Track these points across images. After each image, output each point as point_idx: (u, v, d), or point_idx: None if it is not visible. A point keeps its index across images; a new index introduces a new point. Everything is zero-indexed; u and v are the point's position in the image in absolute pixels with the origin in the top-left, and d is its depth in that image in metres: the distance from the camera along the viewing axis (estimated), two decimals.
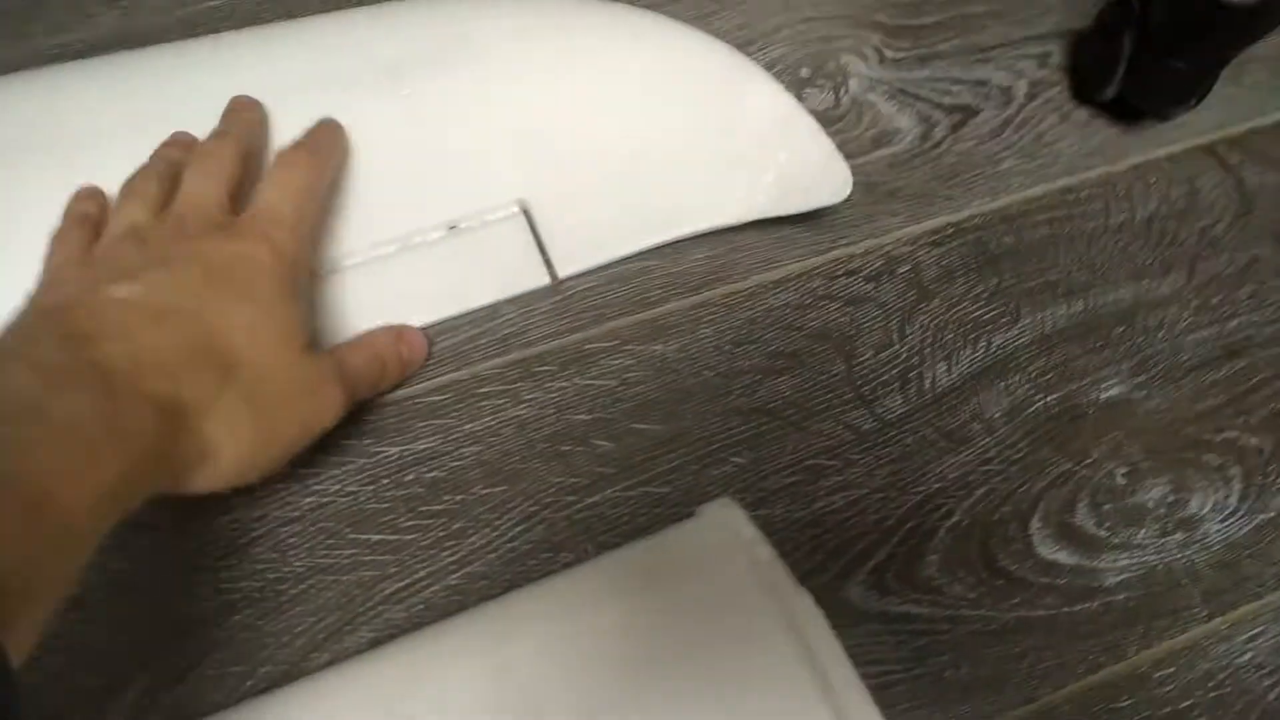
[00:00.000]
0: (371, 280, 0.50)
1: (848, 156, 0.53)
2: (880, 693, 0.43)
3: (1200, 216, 0.57)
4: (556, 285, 0.51)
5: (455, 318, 0.50)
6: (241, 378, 0.40)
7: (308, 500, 0.46)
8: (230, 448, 0.39)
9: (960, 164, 0.57)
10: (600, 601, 0.42)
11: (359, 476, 0.47)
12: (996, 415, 0.50)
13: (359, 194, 0.51)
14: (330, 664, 0.43)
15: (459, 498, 0.47)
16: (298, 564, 0.45)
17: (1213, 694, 0.45)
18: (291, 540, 0.45)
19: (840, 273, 0.53)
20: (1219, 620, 0.47)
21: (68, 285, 0.40)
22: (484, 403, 0.49)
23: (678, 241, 0.52)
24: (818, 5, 0.60)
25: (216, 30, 0.54)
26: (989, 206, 0.56)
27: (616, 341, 0.50)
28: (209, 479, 0.39)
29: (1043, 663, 0.45)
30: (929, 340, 0.52)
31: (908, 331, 0.52)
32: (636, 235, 0.52)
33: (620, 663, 0.40)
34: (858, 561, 0.47)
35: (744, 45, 0.57)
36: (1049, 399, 0.51)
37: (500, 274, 0.51)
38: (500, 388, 0.49)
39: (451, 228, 0.51)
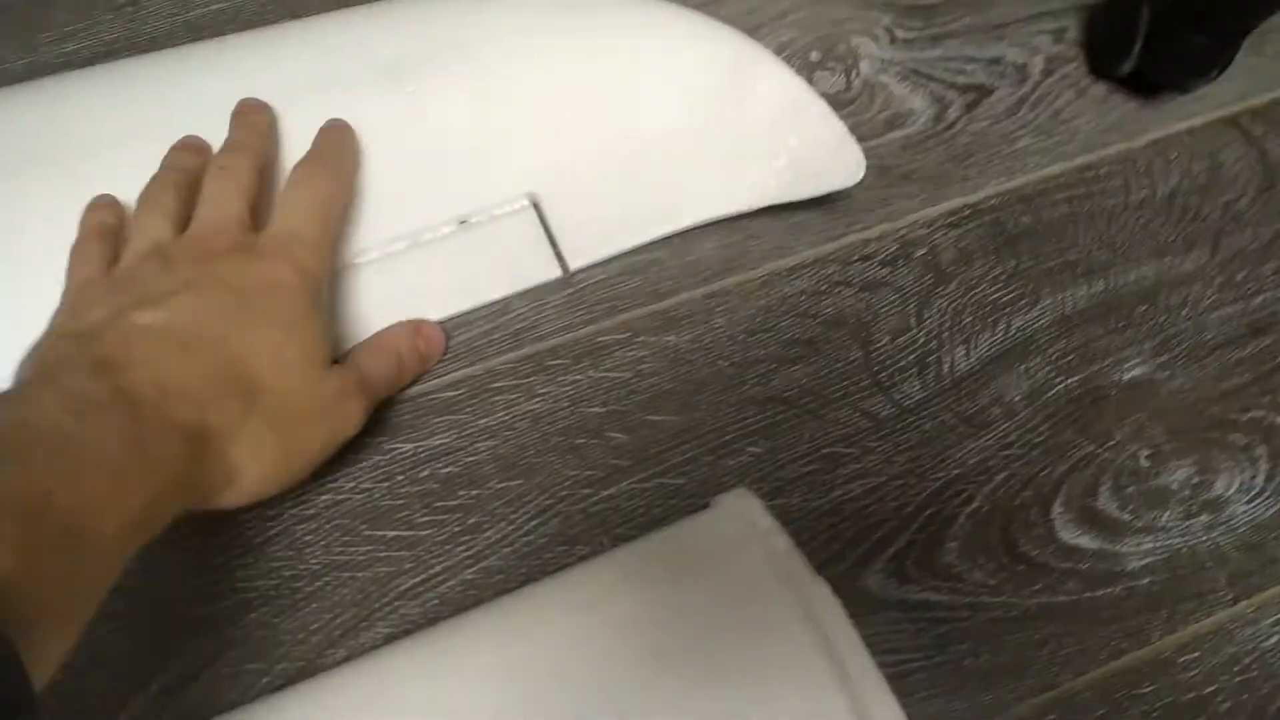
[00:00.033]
0: (383, 277, 0.50)
1: (860, 140, 0.52)
2: (899, 681, 0.42)
3: (1223, 191, 0.56)
4: (568, 278, 0.51)
5: (467, 313, 0.50)
6: (265, 401, 0.40)
7: (323, 498, 0.46)
8: (254, 469, 0.40)
9: (975, 144, 0.56)
10: (616, 594, 0.42)
11: (374, 473, 0.47)
12: (1016, 399, 0.50)
13: (369, 192, 0.51)
14: (346, 660, 0.43)
15: (474, 493, 0.47)
16: (314, 561, 0.45)
17: (1238, 678, 0.45)
18: (308, 538, 0.45)
19: (855, 258, 0.53)
20: (1245, 603, 0.46)
21: (95, 309, 0.40)
22: (498, 397, 0.49)
23: (689, 231, 0.52)
24: None
25: (221, 32, 0.54)
26: (1006, 186, 0.55)
27: (629, 333, 0.50)
28: (233, 498, 0.40)
29: (1064, 649, 0.45)
30: (947, 324, 0.51)
31: (925, 316, 0.51)
32: (647, 225, 0.52)
33: (637, 654, 0.40)
34: (876, 549, 0.46)
35: (752, 30, 0.56)
36: (1070, 381, 0.50)
37: (511, 268, 0.51)
38: (514, 382, 0.49)
39: (461, 223, 0.51)
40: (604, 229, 0.51)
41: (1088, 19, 0.59)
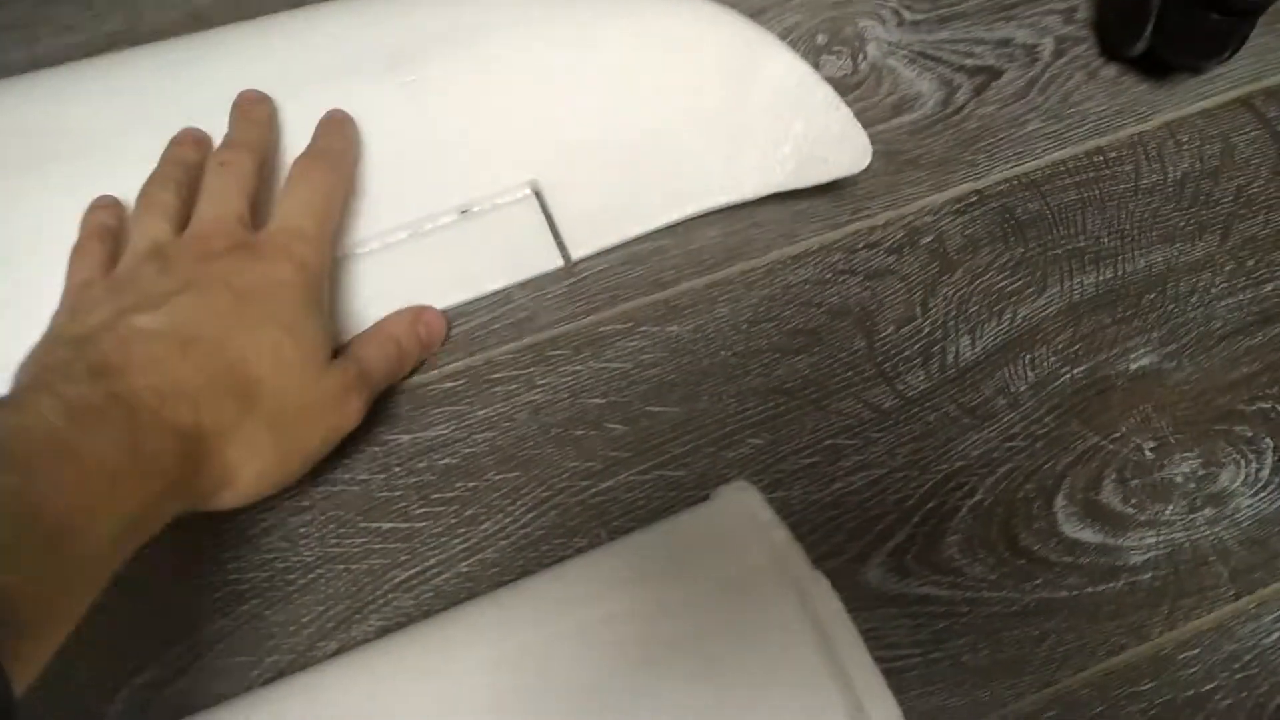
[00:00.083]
0: (384, 267, 0.50)
1: (867, 124, 0.51)
2: (896, 677, 0.42)
3: (1236, 174, 0.55)
4: (570, 267, 0.50)
5: (468, 303, 0.50)
6: (264, 402, 0.40)
7: (319, 489, 0.46)
8: (251, 470, 0.40)
9: (983, 128, 0.55)
10: (614, 587, 0.42)
11: (370, 465, 0.47)
12: (1022, 389, 0.49)
13: (369, 182, 0.50)
14: (338, 653, 0.43)
15: (471, 484, 0.46)
16: (307, 553, 0.45)
17: (1238, 676, 0.44)
18: (302, 529, 0.45)
19: (860, 246, 0.52)
20: (1247, 599, 0.46)
21: (94, 312, 0.40)
22: (497, 388, 0.48)
23: (692, 219, 0.52)
24: None
25: (224, 22, 0.54)
26: (1014, 172, 0.54)
27: (631, 323, 0.50)
28: (230, 499, 0.40)
29: (1063, 645, 0.44)
30: (952, 313, 0.51)
31: (930, 305, 0.51)
32: (650, 214, 0.51)
33: (634, 647, 0.40)
34: (877, 543, 0.46)
35: (757, 13, 0.56)
36: (1076, 371, 0.50)
37: (513, 257, 0.50)
38: (514, 373, 0.49)
39: (463, 212, 0.51)
40: (606, 218, 0.51)
41: None
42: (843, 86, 0.55)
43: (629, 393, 0.48)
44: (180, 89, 0.51)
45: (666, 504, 0.46)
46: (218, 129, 0.49)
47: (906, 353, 0.50)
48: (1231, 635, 0.45)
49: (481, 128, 0.52)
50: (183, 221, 0.45)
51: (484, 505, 0.46)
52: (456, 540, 0.45)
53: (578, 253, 0.51)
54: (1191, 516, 0.47)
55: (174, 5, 0.56)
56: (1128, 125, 0.56)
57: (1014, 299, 0.51)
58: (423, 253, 0.50)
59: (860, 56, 0.56)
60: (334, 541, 0.45)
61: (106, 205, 0.47)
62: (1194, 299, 0.52)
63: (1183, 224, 0.53)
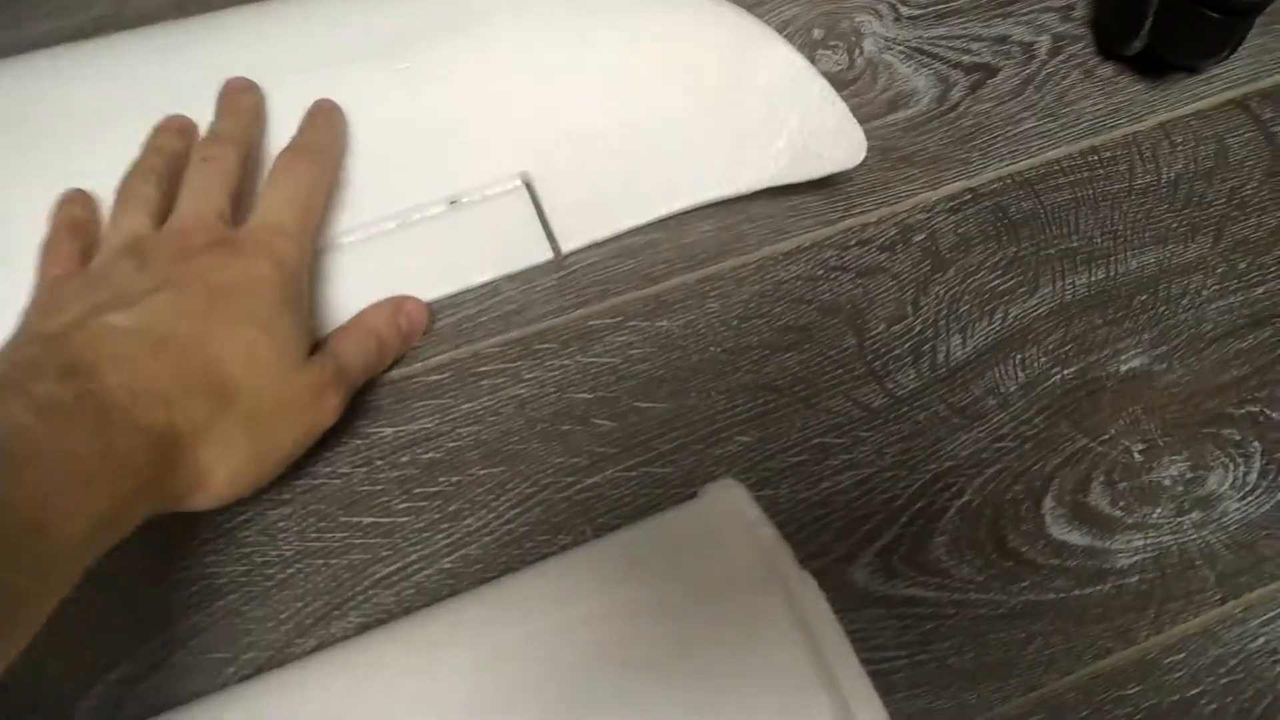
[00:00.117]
0: (370, 258, 0.49)
1: (862, 120, 0.51)
2: (882, 679, 0.42)
3: (1229, 176, 0.55)
4: (559, 260, 0.50)
5: (455, 294, 0.49)
6: (238, 402, 0.40)
7: (299, 482, 0.45)
8: (225, 470, 0.39)
9: (978, 126, 0.55)
10: (598, 585, 0.42)
11: (352, 458, 0.46)
12: (1012, 390, 0.49)
13: (357, 170, 0.50)
14: (317, 650, 0.43)
15: (455, 479, 0.46)
16: (286, 548, 0.44)
17: (1224, 681, 0.44)
18: (281, 523, 0.45)
19: (853, 243, 0.52)
20: (1233, 603, 0.45)
21: (66, 308, 0.40)
22: (483, 381, 0.48)
23: (685, 213, 0.51)
24: None
25: (211, 7, 0.53)
26: (1008, 170, 0.54)
27: (620, 318, 0.49)
28: (203, 501, 0.40)
29: (1050, 648, 0.44)
30: (944, 312, 0.50)
31: (922, 303, 0.50)
32: (643, 207, 0.51)
33: (617, 646, 0.40)
34: (864, 543, 0.46)
35: (754, 6, 0.55)
36: (1066, 372, 0.49)
37: (502, 249, 0.50)
38: (500, 366, 0.48)
39: (452, 202, 0.50)
40: (597, 210, 0.51)
41: None
42: (838, 81, 0.54)
43: (617, 388, 0.48)
44: (168, 74, 0.50)
45: (653, 501, 0.46)
46: (206, 115, 0.48)
47: (897, 351, 0.49)
48: (1217, 640, 0.45)
49: (473, 118, 0.51)
50: (162, 215, 0.44)
51: (467, 500, 0.46)
52: (439, 536, 0.45)
53: (568, 245, 0.50)
54: (1179, 520, 0.47)
55: None
56: (1122, 125, 0.55)
57: (1006, 298, 0.51)
58: (410, 243, 0.49)
59: (856, 51, 0.56)
60: (314, 536, 0.45)
61: (76, 198, 0.47)
62: (1185, 301, 0.51)
63: (1176, 225, 0.53)
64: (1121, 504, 0.47)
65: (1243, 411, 0.49)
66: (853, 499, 0.47)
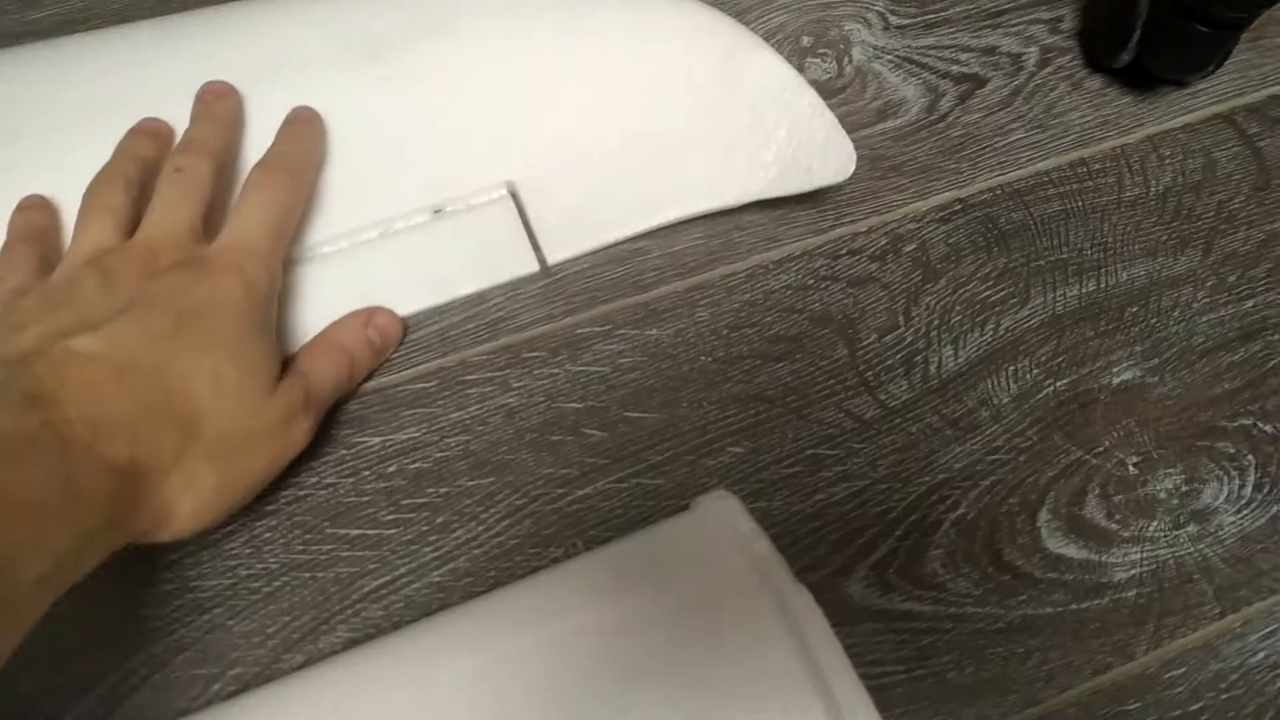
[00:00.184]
0: (351, 269, 0.48)
1: (851, 129, 0.50)
2: (879, 694, 0.41)
3: (1217, 189, 0.55)
4: (545, 272, 0.49)
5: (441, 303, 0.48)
6: (204, 432, 0.38)
7: (284, 493, 0.44)
8: (189, 504, 0.38)
9: (967, 136, 0.54)
10: (589, 599, 0.41)
11: (339, 468, 0.45)
12: (1005, 401, 0.48)
13: (338, 177, 0.49)
14: (305, 665, 0.41)
15: (443, 490, 0.45)
16: (272, 560, 0.43)
17: (1224, 696, 0.44)
18: (266, 535, 0.44)
19: (844, 252, 0.51)
20: (1232, 617, 0.45)
21: (28, 327, 0.38)
22: (471, 390, 0.47)
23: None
24: None
25: (193, 4, 0.52)
26: (997, 180, 0.53)
27: (609, 326, 0.48)
28: (167, 535, 0.39)
29: (1049, 663, 0.44)
30: (935, 323, 0.50)
31: (913, 313, 0.50)
32: (629, 218, 0.50)
33: (611, 661, 0.39)
34: (859, 556, 0.45)
35: (743, 13, 0.55)
36: (1059, 384, 0.49)
37: (487, 260, 0.49)
38: (488, 374, 0.47)
39: (436, 212, 0.49)
40: (584, 221, 0.50)
41: (1086, 8, 0.58)
42: (827, 90, 0.54)
43: (607, 397, 0.47)
44: (145, 73, 0.49)
45: (644, 513, 0.45)
46: (183, 117, 0.47)
47: (889, 362, 0.49)
48: (1217, 654, 0.44)
49: (459, 125, 0.50)
50: (130, 225, 0.43)
51: (456, 512, 0.45)
52: (428, 548, 0.44)
53: (554, 257, 0.49)
54: (1176, 533, 0.46)
55: None
56: (1111, 137, 0.55)
57: (997, 309, 0.50)
58: (393, 253, 0.48)
59: (845, 60, 0.55)
60: (300, 548, 0.43)
61: (35, 205, 0.45)
62: (1176, 313, 0.51)
63: (1165, 238, 0.53)
64: (1117, 517, 0.46)
65: (1236, 424, 0.49)
66: (847, 511, 0.46)
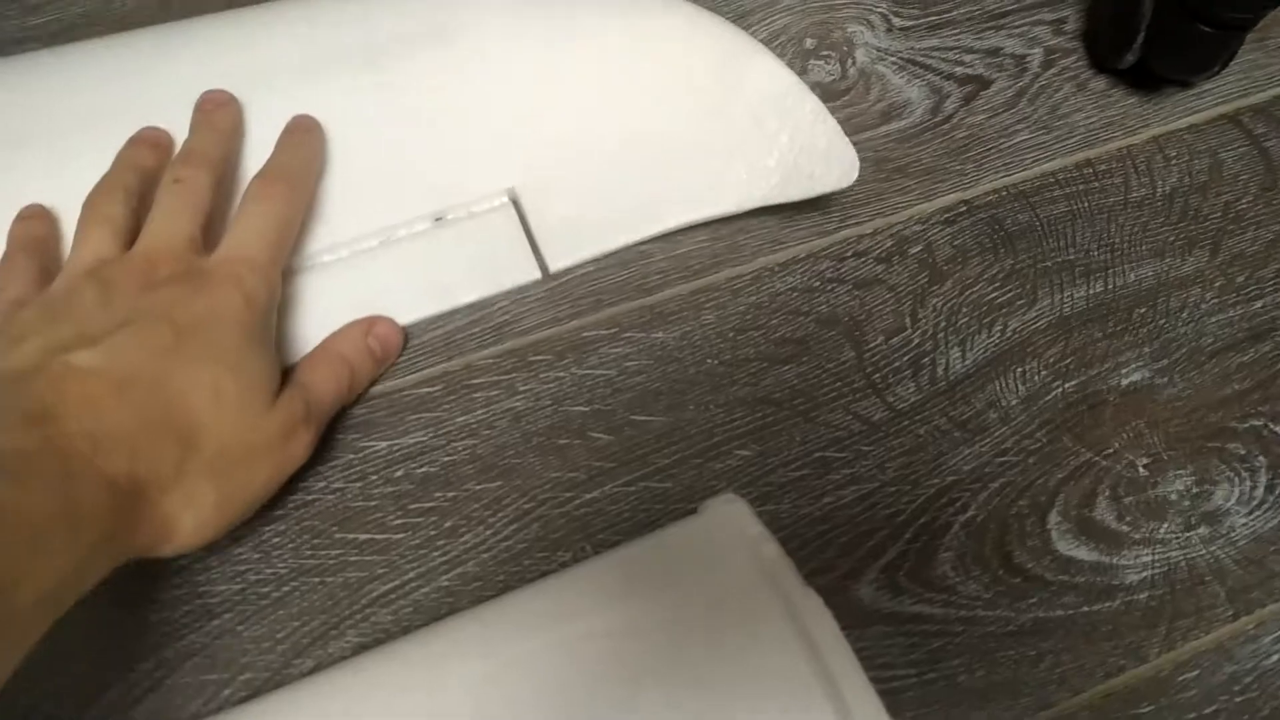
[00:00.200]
0: (352, 278, 0.48)
1: (855, 131, 0.51)
2: (890, 698, 0.41)
3: (1224, 190, 0.54)
4: (547, 279, 0.49)
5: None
6: (204, 447, 0.38)
7: (292, 498, 0.44)
8: (190, 520, 0.38)
9: (972, 138, 0.54)
10: (598, 603, 0.41)
11: (346, 473, 0.45)
12: (1013, 403, 0.48)
13: (338, 185, 0.49)
14: (314, 671, 0.41)
15: (451, 494, 0.45)
16: (281, 565, 0.43)
17: (1238, 698, 0.43)
18: (275, 540, 0.43)
19: (849, 254, 0.51)
20: (1245, 619, 0.45)
21: (28, 340, 0.38)
22: (477, 394, 0.47)
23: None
24: None
25: (198, 7, 0.52)
26: (1003, 182, 0.53)
27: (615, 329, 0.48)
28: (168, 550, 0.38)
29: (1060, 666, 0.43)
30: (942, 324, 0.50)
31: (920, 315, 0.50)
32: (631, 226, 0.50)
33: (620, 666, 0.39)
34: (868, 559, 0.45)
35: (745, 15, 0.55)
36: (1067, 386, 0.49)
37: (488, 268, 0.49)
38: (494, 378, 0.47)
39: (437, 219, 0.49)
40: (585, 229, 0.50)
41: (1090, 9, 0.58)
42: (831, 92, 0.54)
43: (613, 401, 0.47)
44: (146, 81, 0.49)
45: (652, 517, 0.45)
46: (183, 125, 0.47)
47: (896, 364, 0.49)
48: (1231, 656, 0.44)
49: (459, 132, 0.50)
50: (129, 236, 0.43)
51: (464, 516, 0.44)
52: (436, 553, 0.44)
53: (556, 264, 0.49)
54: (1187, 535, 0.46)
55: None
56: (1116, 138, 0.55)
57: (1004, 311, 0.50)
58: (394, 261, 0.48)
59: (849, 62, 0.55)
60: (308, 553, 0.43)
61: (35, 215, 0.45)
62: (1184, 314, 0.51)
63: (1172, 239, 0.53)
64: (1128, 519, 0.46)
65: (1246, 425, 0.49)
66: (856, 514, 0.46)
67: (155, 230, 0.42)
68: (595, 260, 0.50)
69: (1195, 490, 0.47)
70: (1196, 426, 0.48)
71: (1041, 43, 0.57)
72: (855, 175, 0.49)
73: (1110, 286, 0.51)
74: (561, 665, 0.39)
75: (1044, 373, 0.49)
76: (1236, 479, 0.47)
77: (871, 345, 0.49)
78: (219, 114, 0.47)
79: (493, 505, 0.45)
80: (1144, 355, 0.50)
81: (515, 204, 0.50)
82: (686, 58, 0.52)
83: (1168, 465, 0.47)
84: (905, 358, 0.49)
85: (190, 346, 0.39)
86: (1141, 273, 0.52)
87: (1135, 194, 0.54)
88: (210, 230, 0.44)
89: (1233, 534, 0.46)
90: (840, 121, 0.50)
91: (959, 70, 0.56)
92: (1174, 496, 0.47)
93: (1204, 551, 0.46)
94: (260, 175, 0.46)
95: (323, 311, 0.47)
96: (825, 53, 0.56)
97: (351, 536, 0.44)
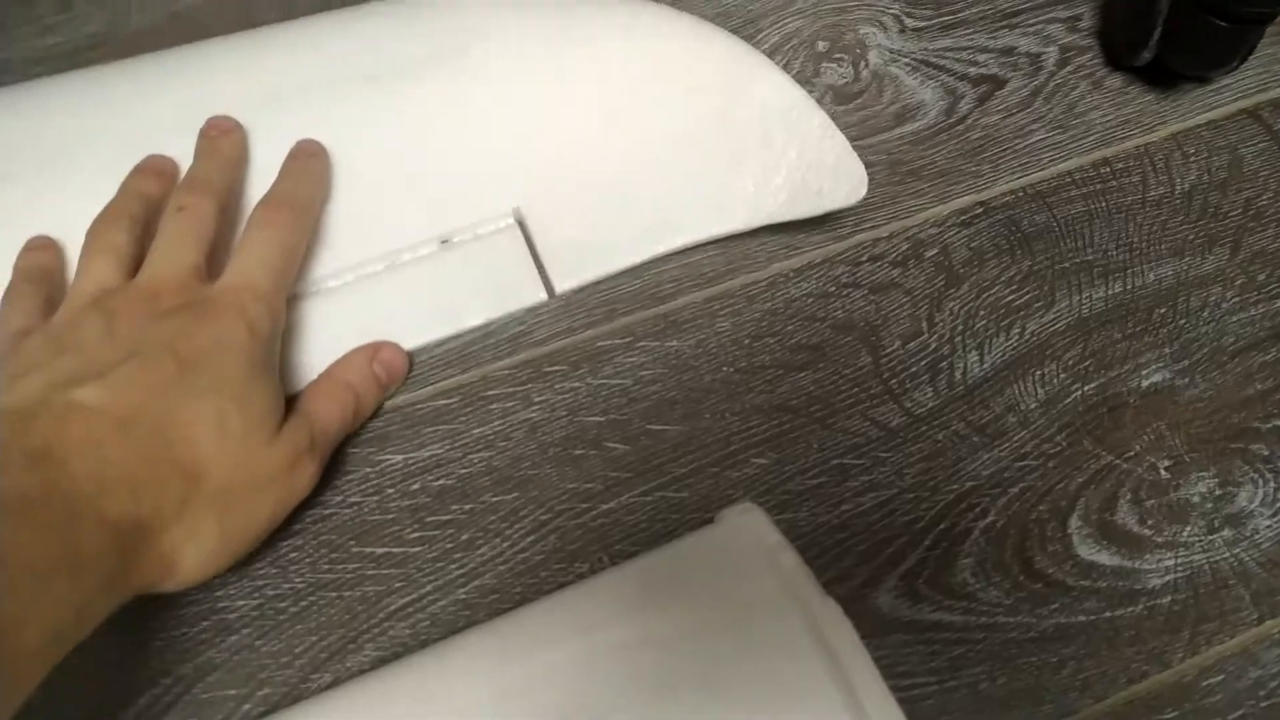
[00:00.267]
0: (358, 302, 0.48)
1: (869, 134, 0.50)
2: (910, 706, 0.41)
3: (1244, 186, 0.54)
4: (553, 300, 0.49)
5: None
6: (208, 481, 0.38)
7: (309, 512, 0.44)
8: (194, 556, 0.38)
9: (987, 138, 0.54)
10: (616, 614, 0.40)
11: (363, 486, 0.45)
12: (1032, 407, 0.48)
13: (343, 210, 0.48)
14: (332, 685, 0.41)
15: (467, 506, 0.45)
16: (298, 580, 0.43)
17: (1264, 704, 0.43)
18: (292, 555, 0.43)
19: (864, 258, 0.51)
20: (1270, 623, 0.44)
21: (31, 374, 0.38)
22: (493, 405, 0.47)
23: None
24: None
25: (207, 25, 0.52)
26: (1019, 183, 0.53)
27: (630, 338, 0.48)
28: (171, 587, 0.38)
29: (1083, 672, 0.43)
30: (959, 328, 0.49)
31: (937, 319, 0.49)
32: (638, 245, 0.50)
33: (639, 677, 0.38)
34: (887, 567, 0.44)
35: (756, 20, 0.55)
36: (1087, 388, 0.48)
37: (495, 290, 0.49)
38: (509, 389, 0.47)
39: (443, 242, 0.49)
40: (592, 249, 0.49)
41: (1105, 6, 0.57)
42: (844, 95, 0.53)
43: (629, 410, 0.47)
44: (151, 106, 0.49)
45: (669, 527, 0.45)
46: (188, 150, 0.47)
47: (913, 369, 0.48)
48: (1256, 661, 0.44)
49: (464, 154, 0.50)
50: (133, 264, 0.43)
51: (480, 529, 0.44)
52: (453, 566, 0.44)
53: (562, 286, 0.49)
54: (1210, 538, 0.46)
55: (157, 9, 0.54)
56: (1134, 136, 0.54)
57: (1022, 313, 0.50)
58: (400, 285, 0.48)
59: (862, 64, 0.55)
60: (325, 568, 0.43)
61: (42, 245, 0.45)
62: (1205, 314, 0.50)
63: (1192, 237, 0.52)
64: (1150, 522, 0.46)
65: (1270, 426, 0.48)
66: (874, 521, 0.45)
67: (159, 259, 0.42)
68: None
69: (1218, 492, 0.47)
70: (1219, 427, 0.48)
71: (1056, 41, 0.57)
72: (864, 191, 0.48)
73: (1129, 287, 0.51)
74: (580, 677, 0.38)
75: (1063, 375, 0.49)
76: (1260, 480, 0.47)
77: (888, 350, 0.49)
78: (223, 141, 0.47)
79: (509, 517, 0.45)
80: (1164, 356, 0.49)
81: (521, 225, 0.50)
82: (692, 75, 0.51)
83: (1190, 467, 0.47)
84: (922, 362, 0.48)
85: (194, 379, 0.39)
86: (1161, 272, 0.51)
87: (1154, 192, 0.53)
88: (215, 257, 0.44)
89: (1256, 536, 0.46)
90: (854, 124, 0.49)
91: (973, 70, 0.55)
92: (1196, 499, 0.46)
93: (1227, 554, 0.45)
94: (264, 202, 0.45)
95: (328, 337, 0.46)
96: (838, 56, 0.55)
97: (368, 550, 0.44)
